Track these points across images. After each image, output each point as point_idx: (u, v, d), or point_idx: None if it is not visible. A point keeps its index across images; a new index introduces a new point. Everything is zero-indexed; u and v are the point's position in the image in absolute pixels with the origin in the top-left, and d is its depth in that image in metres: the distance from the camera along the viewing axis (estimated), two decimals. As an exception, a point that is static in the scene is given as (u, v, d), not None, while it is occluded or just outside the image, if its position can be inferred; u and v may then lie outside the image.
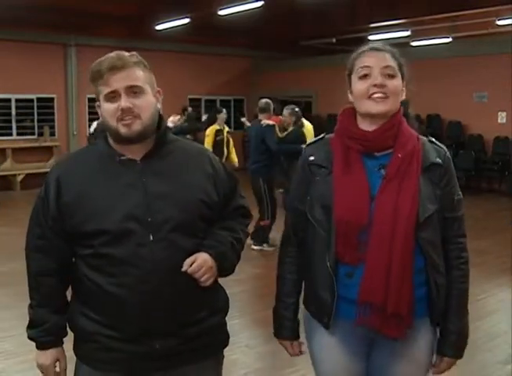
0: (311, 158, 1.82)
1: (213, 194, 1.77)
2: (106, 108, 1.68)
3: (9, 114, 12.59)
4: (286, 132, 7.13)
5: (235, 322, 4.19)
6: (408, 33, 12.81)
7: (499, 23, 11.41)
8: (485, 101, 11.78)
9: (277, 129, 6.97)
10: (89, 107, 13.41)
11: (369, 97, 1.71)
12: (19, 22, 11.18)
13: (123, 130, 1.67)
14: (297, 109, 7.23)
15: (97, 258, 1.68)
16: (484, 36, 12.33)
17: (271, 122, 6.81)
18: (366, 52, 1.77)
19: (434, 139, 1.84)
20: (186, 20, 11.43)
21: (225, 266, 1.77)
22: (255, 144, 6.77)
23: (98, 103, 1.73)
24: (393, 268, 1.66)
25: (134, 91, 1.67)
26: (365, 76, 1.73)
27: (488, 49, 11.44)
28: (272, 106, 7.02)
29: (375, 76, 1.71)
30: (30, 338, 1.80)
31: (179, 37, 12.67)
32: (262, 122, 6.76)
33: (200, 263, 1.68)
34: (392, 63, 1.74)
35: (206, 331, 1.76)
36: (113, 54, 1.70)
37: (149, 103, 1.71)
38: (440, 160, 1.76)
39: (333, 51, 13.51)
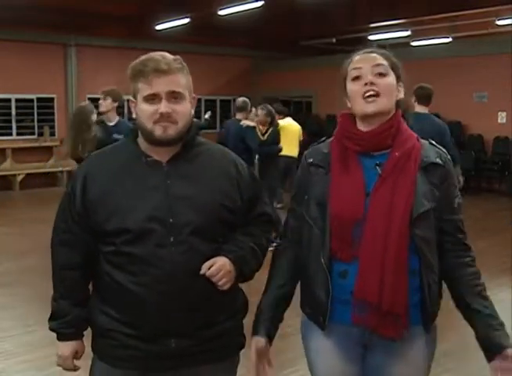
0: (311, 160, 1.84)
1: (236, 198, 1.78)
2: (145, 109, 1.68)
3: (9, 114, 12.59)
4: (266, 134, 7.09)
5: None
6: (408, 33, 12.83)
7: (499, 23, 11.43)
8: (485, 101, 11.79)
9: (258, 132, 6.97)
10: (89, 107, 13.39)
11: (363, 97, 1.72)
12: (19, 22, 11.17)
13: (158, 132, 1.67)
14: (270, 107, 7.24)
15: (118, 255, 1.70)
16: (484, 36, 12.34)
17: (251, 123, 6.81)
18: (357, 56, 1.79)
19: (434, 143, 1.83)
20: (186, 20, 11.44)
21: (244, 271, 1.77)
22: (234, 144, 6.68)
23: (132, 99, 1.74)
24: (387, 265, 1.65)
25: (174, 96, 1.68)
26: (357, 78, 1.75)
27: (488, 49, 11.44)
28: (249, 105, 7.05)
29: (365, 75, 1.73)
30: (51, 329, 1.83)
31: (179, 37, 12.67)
32: (242, 123, 6.73)
33: (218, 267, 1.68)
34: (383, 62, 1.75)
35: (222, 333, 1.77)
36: (158, 56, 1.70)
37: (187, 109, 1.73)
38: (440, 161, 1.76)
39: (333, 51, 13.51)
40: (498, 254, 6.59)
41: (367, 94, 1.71)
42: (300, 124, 9.08)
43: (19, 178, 11.99)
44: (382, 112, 1.73)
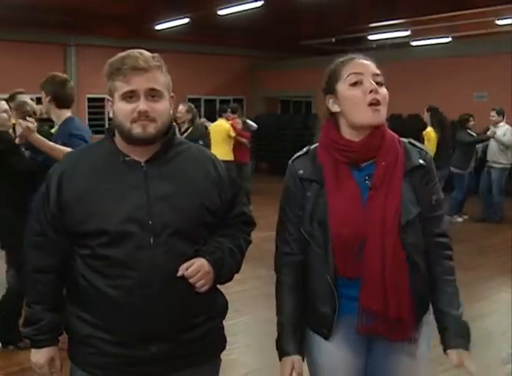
0: (301, 172, 1.78)
1: (216, 200, 1.74)
2: (122, 108, 1.63)
3: (9, 114, 12.58)
4: (187, 130, 7.06)
5: (234, 321, 4.19)
6: (407, 33, 12.83)
7: (499, 22, 11.42)
8: (485, 101, 11.79)
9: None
10: (89, 107, 13.42)
11: (369, 104, 1.67)
12: (19, 22, 11.18)
13: (137, 130, 1.62)
14: (192, 106, 7.31)
15: (95, 259, 1.65)
16: (484, 36, 12.34)
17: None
18: (354, 60, 1.74)
19: (414, 141, 1.81)
20: (186, 20, 11.46)
21: (223, 273, 1.73)
22: None
23: (110, 99, 1.68)
24: (387, 276, 1.66)
25: (153, 94, 1.63)
26: (356, 83, 1.69)
27: (488, 49, 11.45)
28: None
29: (368, 82, 1.68)
30: (24, 335, 1.78)
31: (179, 37, 12.68)
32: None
33: (196, 268, 1.64)
34: (379, 71, 1.72)
35: (203, 336, 1.73)
36: (136, 53, 1.65)
37: (165, 108, 1.67)
38: (423, 162, 1.74)
39: (333, 51, 13.51)
40: (498, 254, 6.60)
41: (374, 101, 1.67)
42: (299, 123, 9.11)
43: (20, 178, 11.96)
44: (382, 123, 1.71)
